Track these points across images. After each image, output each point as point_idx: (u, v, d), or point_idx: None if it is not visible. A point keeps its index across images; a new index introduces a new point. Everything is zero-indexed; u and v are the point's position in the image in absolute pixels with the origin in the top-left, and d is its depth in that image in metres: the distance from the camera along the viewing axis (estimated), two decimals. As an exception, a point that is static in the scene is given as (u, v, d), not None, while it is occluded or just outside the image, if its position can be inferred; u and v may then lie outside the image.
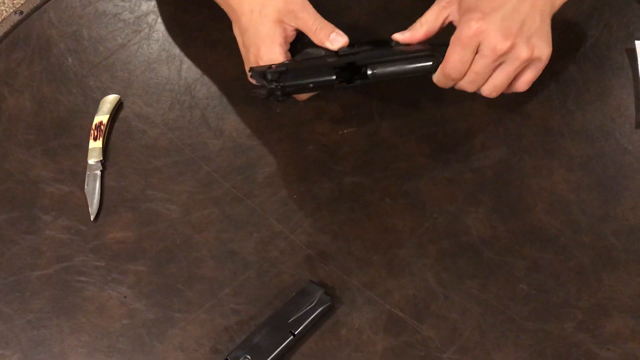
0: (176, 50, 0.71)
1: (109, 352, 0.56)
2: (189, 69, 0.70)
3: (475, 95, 0.62)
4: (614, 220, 0.60)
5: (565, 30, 0.69)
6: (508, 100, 0.66)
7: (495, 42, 0.55)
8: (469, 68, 0.57)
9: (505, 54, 0.56)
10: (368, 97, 0.67)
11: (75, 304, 0.58)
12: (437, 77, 0.59)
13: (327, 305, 0.56)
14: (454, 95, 0.62)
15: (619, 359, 0.54)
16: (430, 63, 0.58)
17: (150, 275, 0.59)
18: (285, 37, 0.60)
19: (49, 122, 0.67)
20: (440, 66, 0.58)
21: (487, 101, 0.62)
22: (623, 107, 0.66)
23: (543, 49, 0.57)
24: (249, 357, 0.54)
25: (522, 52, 0.56)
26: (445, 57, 0.57)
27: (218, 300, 0.58)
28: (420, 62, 0.58)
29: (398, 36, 0.60)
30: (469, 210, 0.61)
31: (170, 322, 0.57)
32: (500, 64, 0.57)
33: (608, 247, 0.59)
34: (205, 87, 0.69)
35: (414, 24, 0.61)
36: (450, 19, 0.60)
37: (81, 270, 0.60)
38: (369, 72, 0.58)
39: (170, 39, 0.71)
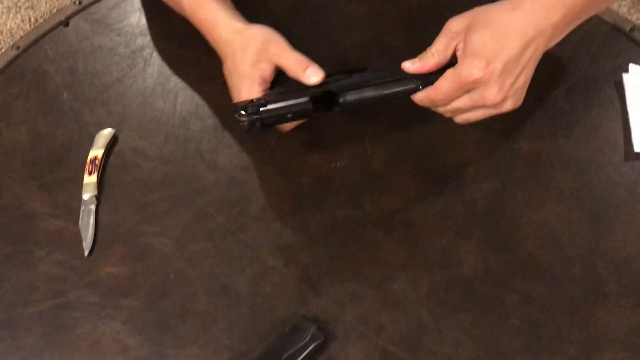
0: (171, 85, 0.72)
1: (102, 389, 0.56)
2: (183, 102, 0.71)
3: (466, 128, 0.63)
4: (605, 252, 0.61)
5: (554, 64, 0.70)
6: (499, 132, 0.67)
7: (489, 94, 0.58)
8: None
9: (493, 105, 0.59)
10: (360, 130, 0.68)
11: (69, 341, 0.58)
12: (420, 98, 0.61)
13: (320, 341, 0.56)
14: (445, 127, 0.63)
15: (611, 394, 0.55)
16: (413, 86, 0.60)
17: (143, 311, 0.59)
18: (264, 78, 0.62)
19: (45, 157, 0.68)
20: (429, 91, 0.59)
21: (478, 133, 0.63)
22: (612, 139, 0.67)
23: (521, 101, 0.61)
24: (241, 394, 0.54)
25: (507, 106, 0.60)
26: (436, 84, 0.59)
27: (211, 336, 0.58)
28: (401, 86, 0.60)
29: (408, 65, 0.60)
30: (460, 242, 0.62)
31: (163, 358, 0.57)
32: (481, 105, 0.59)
33: (599, 279, 0.59)
34: (200, 121, 0.69)
35: (424, 53, 0.60)
36: (457, 48, 0.60)
37: (75, 306, 0.60)
38: (341, 99, 0.60)
39: (165, 73, 0.72)
